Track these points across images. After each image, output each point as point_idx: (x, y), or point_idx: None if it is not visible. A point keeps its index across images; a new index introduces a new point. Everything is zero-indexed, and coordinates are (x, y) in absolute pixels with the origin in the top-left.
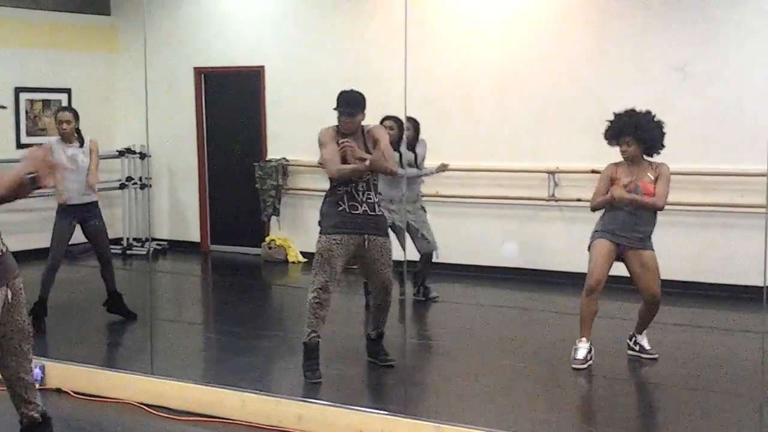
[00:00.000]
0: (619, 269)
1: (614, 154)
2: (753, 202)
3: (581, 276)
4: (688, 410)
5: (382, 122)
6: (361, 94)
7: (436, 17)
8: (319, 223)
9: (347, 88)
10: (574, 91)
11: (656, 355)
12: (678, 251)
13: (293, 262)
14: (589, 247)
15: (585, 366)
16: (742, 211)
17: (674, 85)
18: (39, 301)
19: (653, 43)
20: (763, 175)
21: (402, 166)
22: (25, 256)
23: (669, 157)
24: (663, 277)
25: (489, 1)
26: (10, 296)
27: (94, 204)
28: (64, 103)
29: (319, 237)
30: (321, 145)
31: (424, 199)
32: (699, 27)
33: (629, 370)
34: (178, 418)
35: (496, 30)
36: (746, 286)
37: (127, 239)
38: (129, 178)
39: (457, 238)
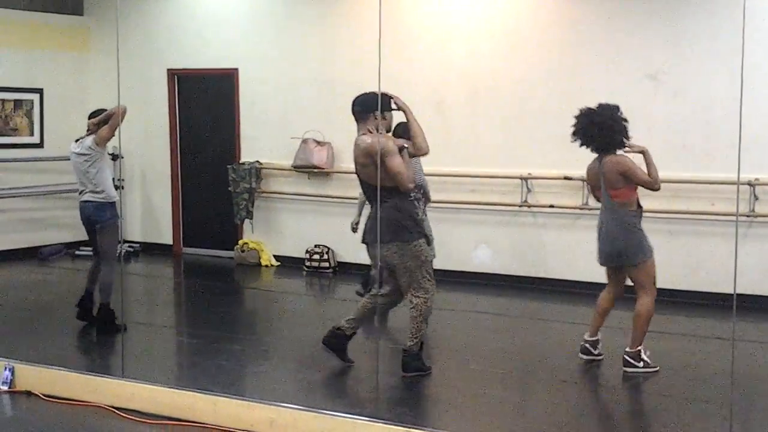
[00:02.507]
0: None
1: (587, 159)
2: (723, 210)
3: (553, 281)
4: (659, 417)
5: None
6: None
7: (410, 23)
8: (410, 230)
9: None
10: (546, 98)
11: (657, 368)
12: None
13: (266, 266)
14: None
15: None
16: (712, 219)
17: (646, 93)
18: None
19: (626, 50)
20: (733, 183)
21: None
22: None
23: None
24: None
25: (463, 9)
26: None
27: None
28: (36, 103)
29: (418, 242)
30: (389, 154)
31: None
32: (671, 35)
33: (600, 376)
34: (150, 421)
35: (470, 37)
36: (716, 294)
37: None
38: None
39: None
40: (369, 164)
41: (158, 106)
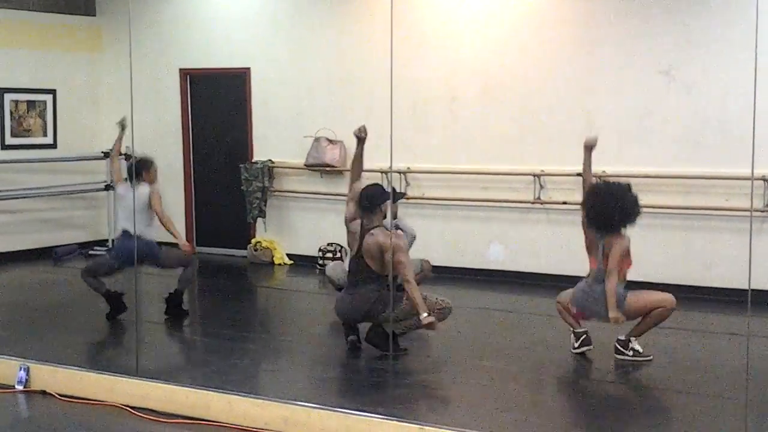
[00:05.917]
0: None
1: (602, 156)
2: (737, 205)
3: (566, 278)
4: (673, 413)
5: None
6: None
7: (422, 20)
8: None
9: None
10: (559, 95)
11: (650, 357)
12: (663, 254)
13: (279, 264)
14: None
15: None
16: (726, 214)
17: (659, 89)
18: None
19: (638, 47)
20: (747, 178)
21: None
22: (10, 258)
23: (654, 160)
24: (648, 280)
25: (474, 6)
26: None
27: None
28: (49, 104)
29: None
30: (400, 251)
31: (411, 200)
32: (684, 31)
33: (613, 373)
34: (164, 420)
35: (482, 35)
36: (730, 289)
37: (113, 240)
38: None
39: (443, 241)
40: (379, 258)
41: (170, 105)
